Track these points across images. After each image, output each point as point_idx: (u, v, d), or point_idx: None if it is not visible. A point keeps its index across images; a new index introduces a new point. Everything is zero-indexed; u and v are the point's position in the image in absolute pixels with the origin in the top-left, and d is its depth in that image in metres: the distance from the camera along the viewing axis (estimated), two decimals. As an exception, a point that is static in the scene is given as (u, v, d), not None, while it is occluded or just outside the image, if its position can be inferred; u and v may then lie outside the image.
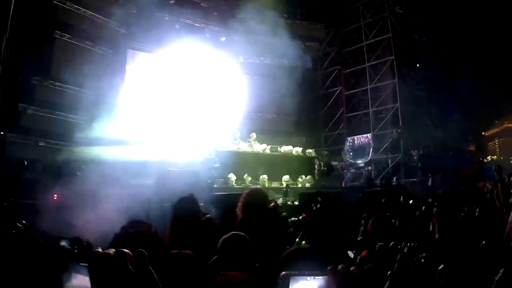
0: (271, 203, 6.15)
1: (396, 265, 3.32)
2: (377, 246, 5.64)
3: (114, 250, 1.49)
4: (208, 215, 6.27)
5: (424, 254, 4.09)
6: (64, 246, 4.76)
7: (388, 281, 3.24)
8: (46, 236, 5.44)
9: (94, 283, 1.51)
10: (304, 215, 6.87)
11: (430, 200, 7.51)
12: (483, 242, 4.60)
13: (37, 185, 14.90)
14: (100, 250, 1.51)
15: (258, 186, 6.40)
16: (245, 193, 6.01)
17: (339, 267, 1.86)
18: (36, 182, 15.14)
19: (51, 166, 17.83)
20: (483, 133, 32.09)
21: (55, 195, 15.24)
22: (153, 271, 1.52)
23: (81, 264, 1.70)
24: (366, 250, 5.71)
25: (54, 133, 21.03)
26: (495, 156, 30.78)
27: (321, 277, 1.89)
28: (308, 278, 1.89)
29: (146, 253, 1.53)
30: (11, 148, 19.24)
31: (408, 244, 3.51)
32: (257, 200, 5.79)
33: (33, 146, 20.44)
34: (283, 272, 1.90)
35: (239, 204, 5.85)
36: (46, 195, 14.94)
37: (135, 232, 3.23)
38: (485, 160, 30.13)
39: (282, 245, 5.02)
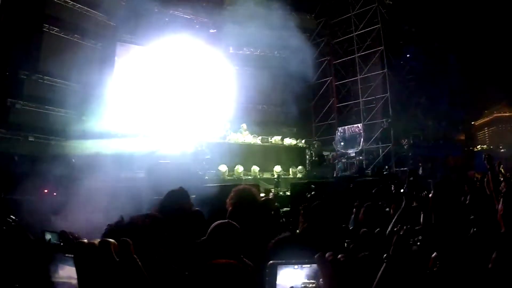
0: (261, 198, 6.14)
1: (392, 248, 3.32)
2: (360, 231, 5.69)
3: (98, 240, 1.49)
4: (196, 209, 6.27)
5: (420, 237, 4.10)
6: (49, 239, 4.77)
7: (384, 264, 3.25)
8: (35, 230, 5.46)
9: (80, 274, 1.50)
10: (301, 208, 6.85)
11: (411, 178, 7.51)
12: (473, 229, 4.62)
13: (27, 180, 14.85)
14: (85, 240, 1.50)
15: (246, 184, 6.28)
16: (234, 192, 6.00)
17: (327, 254, 1.85)
18: (26, 177, 15.10)
19: (41, 161, 17.78)
20: (472, 123, 32.25)
21: (45, 190, 15.23)
22: (138, 260, 1.52)
23: (67, 255, 1.69)
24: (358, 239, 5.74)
25: (43, 127, 20.90)
26: (485, 146, 31.00)
27: (308, 266, 1.89)
28: (296, 266, 1.90)
29: (131, 242, 1.52)
30: (0, 144, 19.14)
31: (404, 227, 3.51)
32: (246, 199, 5.78)
33: (22, 141, 20.32)
34: (270, 261, 1.90)
35: (228, 201, 5.84)
36: (36, 190, 14.92)
37: (130, 223, 3.22)
38: (475, 149, 30.29)
39: (273, 236, 5.02)
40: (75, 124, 21.07)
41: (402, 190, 7.18)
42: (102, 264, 1.45)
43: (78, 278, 1.51)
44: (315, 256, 1.85)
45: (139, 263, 1.52)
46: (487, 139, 32.10)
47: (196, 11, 27.84)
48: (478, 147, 30.94)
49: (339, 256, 1.84)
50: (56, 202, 13.47)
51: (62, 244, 3.99)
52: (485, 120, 32.29)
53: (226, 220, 4.20)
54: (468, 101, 31.07)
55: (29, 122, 20.79)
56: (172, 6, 26.73)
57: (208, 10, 28.37)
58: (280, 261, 1.90)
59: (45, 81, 21.62)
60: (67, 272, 1.71)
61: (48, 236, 4.86)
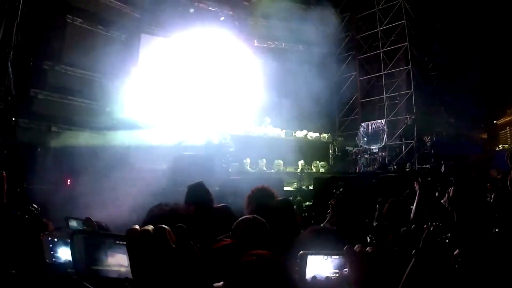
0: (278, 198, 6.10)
1: (421, 244, 3.31)
2: (401, 230, 5.66)
3: (152, 226, 1.45)
4: (224, 204, 6.26)
5: (448, 234, 4.06)
6: (74, 226, 4.77)
7: (413, 260, 3.24)
8: (59, 219, 5.47)
9: (133, 262, 1.47)
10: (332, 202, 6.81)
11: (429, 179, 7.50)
12: (496, 229, 4.57)
13: (49, 170, 14.92)
14: (137, 227, 1.47)
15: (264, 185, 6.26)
16: (252, 191, 5.96)
17: (355, 247, 1.92)
18: (48, 167, 15.17)
19: (63, 152, 17.85)
20: (495, 122, 31.95)
21: (68, 180, 15.32)
22: (195, 247, 1.48)
23: (118, 242, 1.66)
24: (391, 235, 5.71)
25: (66, 118, 20.92)
26: (506, 145, 30.70)
27: (337, 257, 1.96)
28: (325, 257, 1.97)
29: (186, 228, 1.49)
30: (23, 134, 19.15)
31: (434, 223, 3.50)
32: (264, 198, 5.74)
33: (45, 131, 20.37)
34: (301, 251, 1.96)
35: (246, 201, 5.82)
36: (59, 181, 15.01)
37: (171, 209, 3.17)
38: (497, 148, 30.06)
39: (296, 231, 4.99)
40: (99, 115, 21.14)
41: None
42: (157, 251, 1.42)
43: (131, 265, 1.48)
44: (345, 248, 1.93)
45: (196, 249, 1.49)
46: (509, 138, 31.75)
47: (221, 3, 27.81)
48: (500, 146, 30.57)
49: (368, 248, 1.92)
50: (79, 192, 13.57)
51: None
52: (508, 119, 31.95)
53: (251, 216, 4.16)
54: (491, 99, 30.86)
55: (52, 112, 20.80)
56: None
57: (233, 3, 28.36)
58: (310, 251, 1.97)
59: (68, 72, 21.63)
60: (117, 260, 1.69)
61: (72, 223, 4.86)
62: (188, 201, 5.81)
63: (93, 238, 1.81)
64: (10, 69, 15.57)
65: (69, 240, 3.02)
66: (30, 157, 15.48)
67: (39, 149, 16.73)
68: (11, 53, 15.88)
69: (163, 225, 1.46)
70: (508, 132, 31.67)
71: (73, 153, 17.01)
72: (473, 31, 28.12)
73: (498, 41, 27.24)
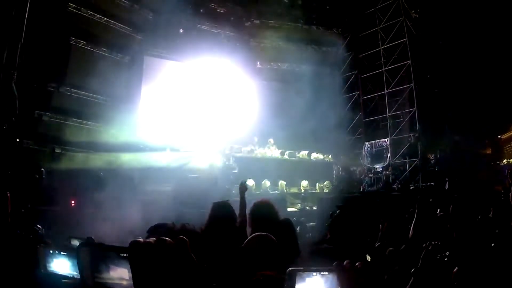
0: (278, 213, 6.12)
1: (420, 262, 3.33)
2: (387, 251, 5.69)
3: (154, 239, 1.48)
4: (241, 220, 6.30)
5: (447, 253, 4.09)
6: (76, 245, 4.81)
7: (412, 278, 3.26)
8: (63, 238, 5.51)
9: (135, 274, 1.50)
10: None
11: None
12: (493, 244, 4.59)
13: (54, 191, 14.97)
14: (140, 239, 1.50)
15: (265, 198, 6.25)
16: (253, 205, 5.99)
17: (345, 263, 1.91)
18: (53, 188, 15.21)
19: (68, 173, 17.90)
20: (499, 137, 31.94)
21: (72, 201, 15.36)
22: (195, 259, 1.52)
23: (121, 254, 1.69)
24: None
25: (70, 139, 20.95)
26: (511, 159, 30.68)
27: (327, 273, 1.93)
28: (314, 274, 1.94)
29: (188, 240, 1.52)
30: (27, 155, 19.19)
31: (433, 242, 3.52)
32: (265, 213, 5.76)
33: (50, 153, 20.41)
34: (290, 268, 1.94)
35: (248, 215, 5.84)
36: (64, 202, 15.05)
37: (171, 227, 3.22)
38: (502, 164, 30.06)
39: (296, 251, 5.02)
40: (103, 137, 21.18)
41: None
42: (158, 263, 1.45)
43: (133, 277, 1.51)
44: (334, 264, 1.91)
45: (196, 261, 1.52)
46: (514, 153, 31.84)
47: (223, 25, 27.93)
48: (504, 161, 30.58)
49: (357, 264, 1.91)
50: (83, 212, 13.63)
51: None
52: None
53: (265, 233, 4.19)
54: (495, 114, 30.91)
55: (56, 134, 20.85)
56: (199, 20, 26.81)
57: (235, 24, 28.48)
58: (299, 268, 1.94)
59: (73, 94, 21.70)
60: (119, 273, 1.72)
61: (74, 242, 4.91)
62: (212, 218, 5.82)
63: (97, 251, 1.85)
64: (14, 89, 15.64)
65: (65, 253, 3.05)
66: (35, 178, 15.52)
67: (43, 170, 16.77)
68: (15, 74, 15.97)
69: (165, 238, 1.49)
70: (512, 146, 31.70)
71: (77, 174, 17.09)
72: (475, 47, 28.17)
73: (501, 56, 27.28)
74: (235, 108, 25.95)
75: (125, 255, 1.64)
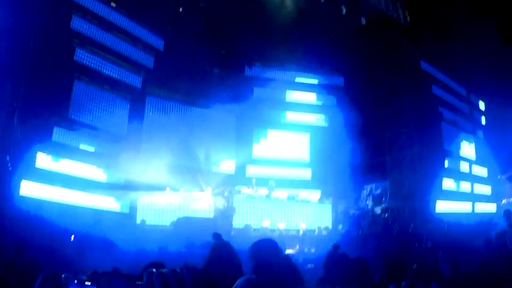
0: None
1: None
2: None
3: (167, 269, 1.62)
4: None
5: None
6: (82, 279, 4.94)
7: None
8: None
9: None
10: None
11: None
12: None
13: (56, 227, 15.10)
14: (153, 270, 1.63)
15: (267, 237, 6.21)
16: (254, 244, 5.99)
17: None
18: (54, 224, 15.32)
19: (68, 210, 18.00)
20: (499, 176, 32.24)
21: (72, 236, 15.55)
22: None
23: (138, 282, 1.81)
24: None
25: (70, 177, 20.83)
26: (511, 198, 30.93)
27: None
28: None
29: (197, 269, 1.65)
30: (28, 192, 19.06)
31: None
32: (266, 251, 5.76)
33: (49, 190, 20.28)
34: None
35: (249, 254, 5.84)
36: (65, 237, 15.21)
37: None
38: (502, 202, 30.35)
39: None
40: (104, 175, 21.23)
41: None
42: None
43: None
44: None
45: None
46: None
47: (225, 70, 28.26)
48: (504, 200, 30.78)
49: None
50: (80, 247, 13.81)
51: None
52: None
53: (253, 276, 4.20)
54: (494, 157, 31.69)
55: (57, 171, 20.67)
56: (201, 60, 27.02)
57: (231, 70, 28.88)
58: None
59: (74, 130, 21.49)
60: None
61: (81, 277, 5.02)
62: (212, 258, 5.73)
63: (116, 280, 1.98)
64: (15, 122, 15.84)
65: (89, 283, 3.20)
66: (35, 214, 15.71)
67: (43, 206, 16.94)
68: (17, 112, 16.15)
69: (176, 269, 1.63)
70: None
71: (76, 212, 17.27)
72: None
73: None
74: (236, 150, 26.08)
75: (141, 283, 1.77)
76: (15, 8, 17.14)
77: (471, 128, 34.33)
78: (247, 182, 23.93)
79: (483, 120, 36.06)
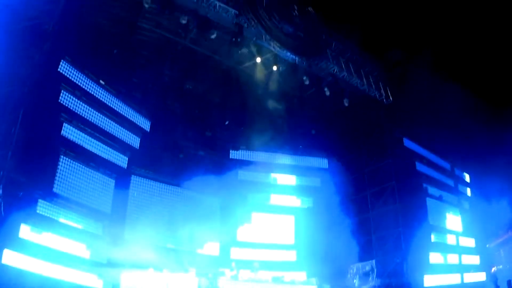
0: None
1: None
2: None
3: None
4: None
5: None
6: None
7: None
8: None
9: None
10: None
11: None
12: None
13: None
14: None
15: None
16: None
17: None
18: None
19: (50, 283, 17.89)
20: (487, 245, 32.49)
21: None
22: None
23: None
24: None
25: (54, 251, 20.52)
26: (501, 266, 31.10)
27: None
28: None
29: None
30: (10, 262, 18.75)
31: None
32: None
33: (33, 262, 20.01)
34: None
35: None
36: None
37: None
38: (492, 270, 30.46)
39: None
40: (86, 253, 21.06)
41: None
42: None
43: None
44: None
45: None
46: (502, 258, 32.07)
47: (211, 149, 28.55)
48: (494, 268, 30.92)
49: None
50: None
51: None
52: (500, 240, 32.20)
53: None
54: (480, 227, 31.94)
55: (41, 245, 20.37)
56: (187, 142, 27.28)
57: (221, 148, 29.15)
58: None
59: (59, 205, 21.26)
60: None
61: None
62: None
63: None
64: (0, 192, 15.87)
65: None
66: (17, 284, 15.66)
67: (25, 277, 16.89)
68: (2, 185, 16.18)
69: None
70: (501, 253, 32.10)
71: (57, 287, 17.20)
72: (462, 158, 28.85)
73: (484, 160, 28.17)
74: (219, 231, 26.23)
75: None
76: (5, 80, 17.41)
77: (456, 200, 34.79)
78: (231, 264, 23.90)
79: (469, 192, 36.42)
